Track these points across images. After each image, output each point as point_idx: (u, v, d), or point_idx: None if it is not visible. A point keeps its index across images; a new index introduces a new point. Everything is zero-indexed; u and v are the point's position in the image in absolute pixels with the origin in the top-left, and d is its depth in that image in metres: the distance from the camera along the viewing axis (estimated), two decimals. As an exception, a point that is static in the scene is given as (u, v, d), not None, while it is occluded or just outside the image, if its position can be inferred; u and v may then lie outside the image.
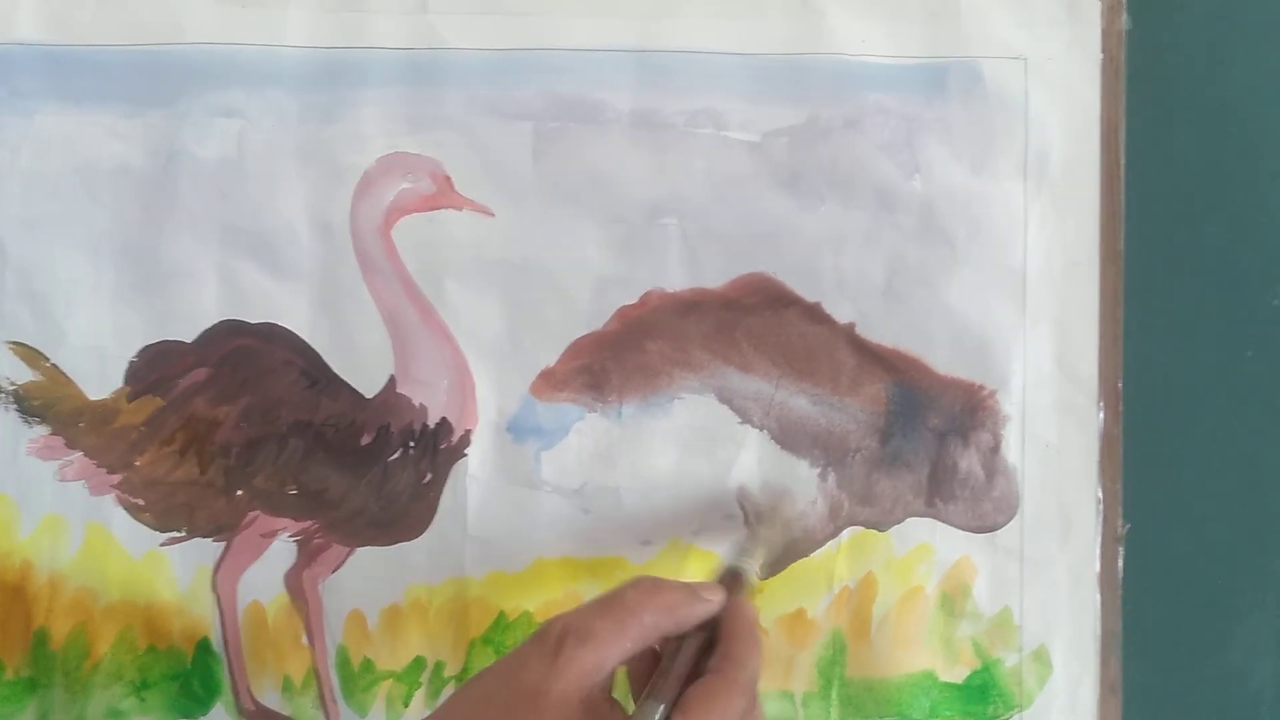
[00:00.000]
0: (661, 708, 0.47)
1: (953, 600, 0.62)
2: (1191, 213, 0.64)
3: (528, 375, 0.62)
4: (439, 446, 0.62)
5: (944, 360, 0.62)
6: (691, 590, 0.50)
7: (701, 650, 0.49)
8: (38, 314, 0.62)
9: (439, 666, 0.62)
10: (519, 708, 0.44)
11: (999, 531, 0.62)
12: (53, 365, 0.62)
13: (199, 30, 0.62)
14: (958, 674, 0.62)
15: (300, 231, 0.62)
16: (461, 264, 0.62)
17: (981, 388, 0.63)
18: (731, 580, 0.54)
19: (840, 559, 0.62)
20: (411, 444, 0.62)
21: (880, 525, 0.62)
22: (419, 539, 0.62)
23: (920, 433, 0.62)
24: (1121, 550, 0.62)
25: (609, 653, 0.46)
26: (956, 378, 0.62)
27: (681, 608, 0.49)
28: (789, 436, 0.62)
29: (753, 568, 0.55)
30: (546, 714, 0.44)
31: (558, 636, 0.46)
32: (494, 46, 0.62)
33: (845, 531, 0.62)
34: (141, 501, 0.62)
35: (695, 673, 0.48)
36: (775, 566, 0.62)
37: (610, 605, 0.47)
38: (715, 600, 0.50)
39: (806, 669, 0.62)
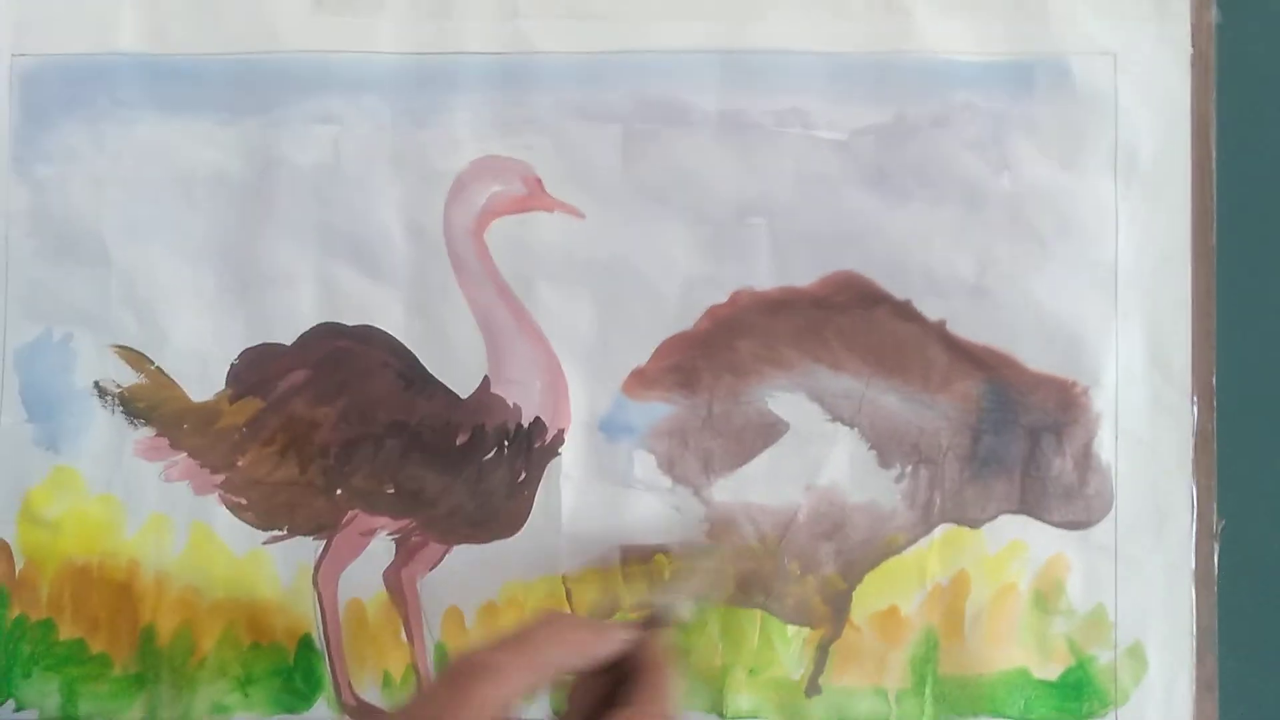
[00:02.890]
0: None
1: (1046, 597, 0.62)
2: (1284, 206, 0.64)
3: (619, 374, 0.63)
4: (533, 446, 0.63)
5: (1035, 357, 0.62)
6: (599, 628, 0.52)
7: (614, 685, 0.51)
8: (141, 318, 0.63)
9: (535, 663, 0.63)
10: None
11: (1093, 528, 0.62)
12: (157, 368, 0.63)
13: (294, 38, 0.63)
14: (1052, 671, 0.62)
15: (395, 235, 0.63)
16: (553, 265, 0.63)
17: (1074, 384, 0.62)
18: (653, 619, 0.55)
19: (932, 556, 0.62)
20: (506, 443, 0.63)
21: (973, 523, 0.62)
22: (514, 537, 0.63)
23: (1012, 430, 0.62)
24: (1217, 547, 0.62)
25: (513, 688, 0.47)
26: (1048, 374, 0.62)
27: (588, 646, 0.50)
28: (880, 434, 0.63)
29: (678, 607, 0.57)
30: None
31: (465, 673, 0.47)
32: (582, 50, 0.63)
33: (938, 529, 0.62)
34: (244, 501, 0.63)
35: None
36: (702, 603, 0.62)
37: (518, 642, 0.49)
38: (623, 638, 0.51)
39: (900, 666, 0.62)
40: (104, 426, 0.63)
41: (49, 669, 0.63)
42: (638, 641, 0.52)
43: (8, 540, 0.63)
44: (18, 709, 0.63)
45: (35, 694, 0.63)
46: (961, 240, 0.63)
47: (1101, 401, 0.62)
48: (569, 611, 0.62)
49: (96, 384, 0.63)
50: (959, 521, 0.62)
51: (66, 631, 0.63)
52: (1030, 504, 0.62)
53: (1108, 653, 0.62)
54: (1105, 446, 0.62)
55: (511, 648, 0.49)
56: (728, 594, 0.62)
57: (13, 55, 0.63)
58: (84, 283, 0.63)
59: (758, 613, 0.62)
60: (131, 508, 0.63)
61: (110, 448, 0.63)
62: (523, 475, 0.63)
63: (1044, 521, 0.62)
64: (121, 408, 0.63)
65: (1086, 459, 0.62)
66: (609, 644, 0.51)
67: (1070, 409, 0.62)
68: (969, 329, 0.63)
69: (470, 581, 0.63)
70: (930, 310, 0.63)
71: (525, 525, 0.63)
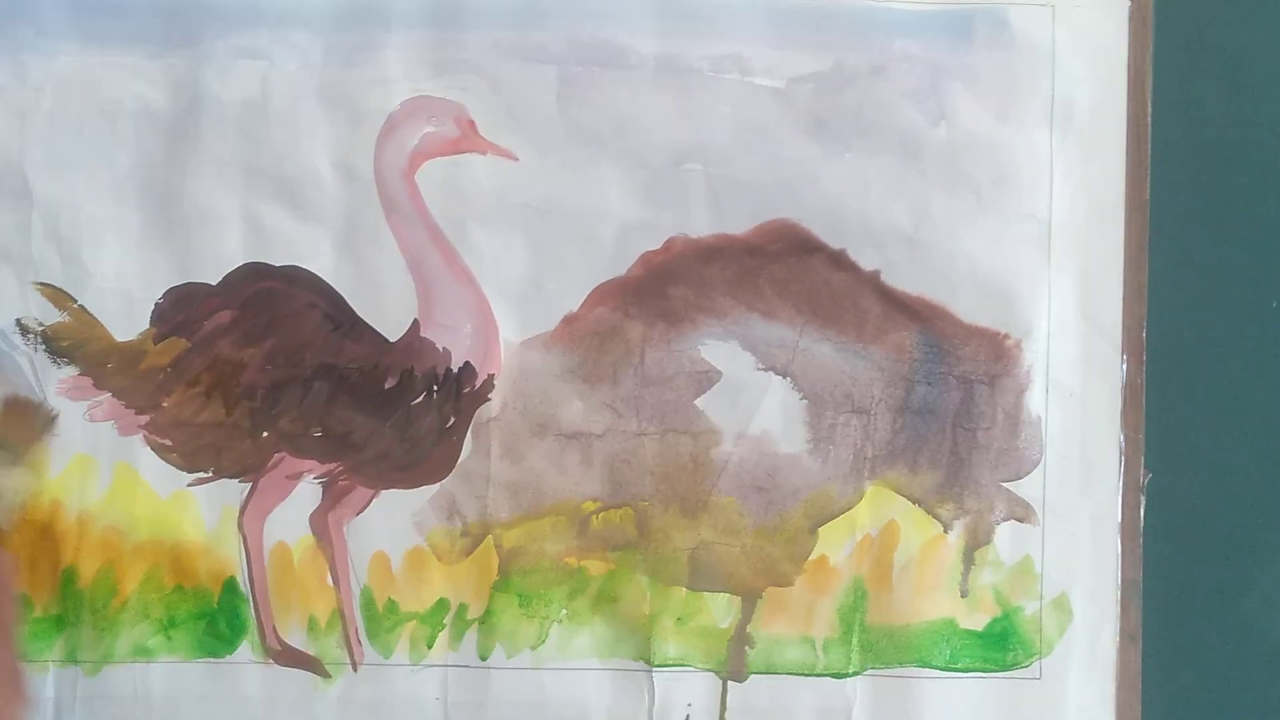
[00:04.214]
0: None
1: (974, 549, 0.63)
2: (1217, 161, 0.64)
3: (551, 320, 0.62)
4: (462, 390, 0.62)
5: (969, 308, 0.62)
6: None
7: None
8: (65, 255, 0.62)
9: (462, 609, 0.62)
10: None
11: (1021, 480, 0.62)
12: (80, 306, 0.62)
13: (224, -28, 0.62)
14: (978, 621, 0.63)
15: (324, 175, 0.62)
16: (485, 208, 0.62)
17: (1006, 336, 0.62)
18: None
19: (862, 507, 0.62)
20: (435, 388, 0.62)
21: (903, 473, 0.62)
22: (442, 482, 0.62)
23: (945, 381, 0.62)
24: (1143, 499, 0.62)
25: None
26: (981, 326, 0.62)
27: None
28: (812, 384, 0.62)
29: None
30: None
31: None
32: (518, -10, 0.62)
33: (867, 480, 0.62)
34: (169, 442, 0.62)
35: None
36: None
37: None
38: None
39: (828, 615, 0.62)
40: (26, 365, 0.62)
41: (-33, 610, 0.62)
42: None
43: (-75, 479, 0.62)
44: (-65, 650, 0.62)
45: (-47, 635, 0.62)
46: (898, 190, 0.62)
47: (1033, 354, 0.62)
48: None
49: (18, 322, 0.62)
50: (890, 472, 0.62)
51: (-15, 572, 0.62)
52: (961, 455, 0.62)
53: (1033, 604, 0.63)
54: (1036, 399, 0.63)
55: None
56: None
57: (-68, -17, 0.62)
58: (5, 218, 0.62)
59: (686, 558, 0.62)
60: (55, 448, 0.62)
61: (33, 387, 0.62)
62: (452, 420, 0.62)
63: (974, 473, 0.62)
64: (44, 346, 0.62)
65: (1017, 411, 0.62)
66: None
67: (1002, 361, 0.62)
68: (903, 280, 0.62)
69: (397, 526, 0.62)
70: (865, 260, 0.62)
71: (453, 470, 0.62)
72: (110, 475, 0.62)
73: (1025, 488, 0.63)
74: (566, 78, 0.62)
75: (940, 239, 0.62)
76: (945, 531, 0.63)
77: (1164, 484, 0.63)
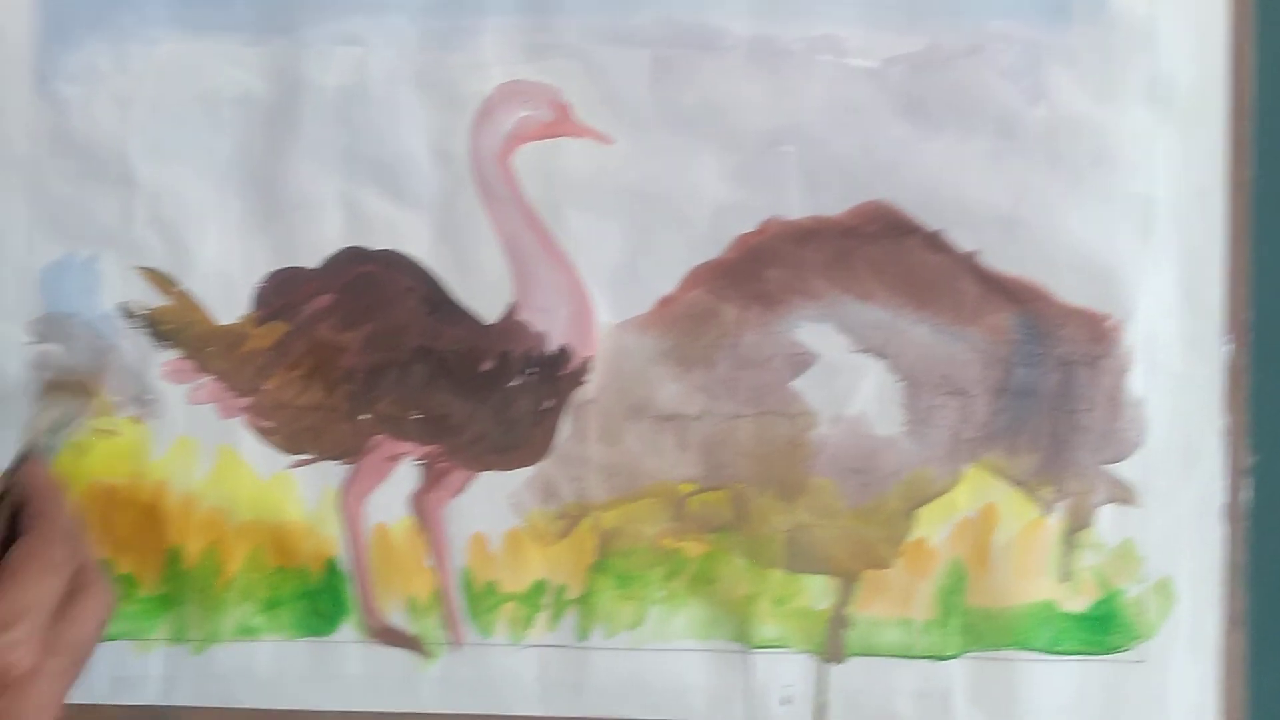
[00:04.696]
0: None
1: (1074, 531, 0.62)
2: (1325, 139, 0.63)
3: (647, 302, 0.63)
4: (559, 373, 0.62)
5: (1068, 290, 0.62)
6: None
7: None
8: (167, 240, 0.63)
9: (561, 590, 0.63)
10: None
11: (1123, 462, 0.62)
12: (182, 290, 0.63)
13: (321, -42, 0.62)
14: (1079, 604, 0.62)
15: (421, 159, 0.62)
16: (580, 192, 0.62)
17: (1106, 318, 0.62)
18: (24, 455, 0.57)
19: (961, 489, 0.62)
20: (532, 370, 0.62)
21: (1002, 455, 0.62)
22: (540, 464, 0.63)
23: (1044, 363, 0.62)
24: (1247, 482, 0.62)
25: None
26: (1081, 307, 0.62)
27: None
28: (909, 366, 0.62)
29: (47, 439, 0.59)
30: None
31: None
32: (613, -28, 0.62)
33: (965, 462, 0.62)
34: (270, 424, 0.63)
35: None
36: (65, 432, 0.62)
37: None
38: None
39: (926, 597, 0.62)
40: (130, 349, 0.63)
41: (76, 590, 0.63)
42: (14, 479, 0.54)
43: (34, 461, 0.63)
44: (45, 629, 0.63)
45: (62, 614, 0.63)
46: (995, 171, 0.62)
47: (1133, 335, 0.62)
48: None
49: (122, 306, 0.63)
50: (989, 454, 0.62)
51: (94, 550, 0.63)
52: (1060, 437, 0.62)
53: (1136, 587, 0.62)
54: (1137, 381, 0.62)
55: None
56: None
57: (37, -27, 0.63)
58: (109, 204, 0.63)
59: (783, 540, 0.62)
60: (158, 430, 0.63)
61: (136, 370, 0.63)
62: (548, 403, 0.63)
63: (1074, 455, 0.62)
64: (147, 330, 0.63)
65: (1118, 393, 0.62)
66: None
67: (1102, 342, 0.62)
68: (1001, 261, 0.62)
69: (495, 508, 0.63)
70: (962, 241, 0.62)
71: (550, 452, 0.63)
72: (213, 457, 0.63)
73: (1126, 470, 0.62)
74: (661, 60, 0.62)
75: (1039, 219, 0.62)
76: (1045, 514, 0.62)
77: (1269, 467, 0.62)
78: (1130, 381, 0.62)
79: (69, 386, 0.61)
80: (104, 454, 0.63)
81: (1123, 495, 0.62)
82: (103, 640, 0.60)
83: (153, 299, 0.63)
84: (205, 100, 0.62)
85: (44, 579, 0.50)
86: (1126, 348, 0.62)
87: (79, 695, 0.62)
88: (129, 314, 0.63)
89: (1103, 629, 0.62)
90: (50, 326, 0.63)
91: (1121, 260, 0.62)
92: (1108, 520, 0.62)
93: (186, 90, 0.62)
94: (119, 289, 0.63)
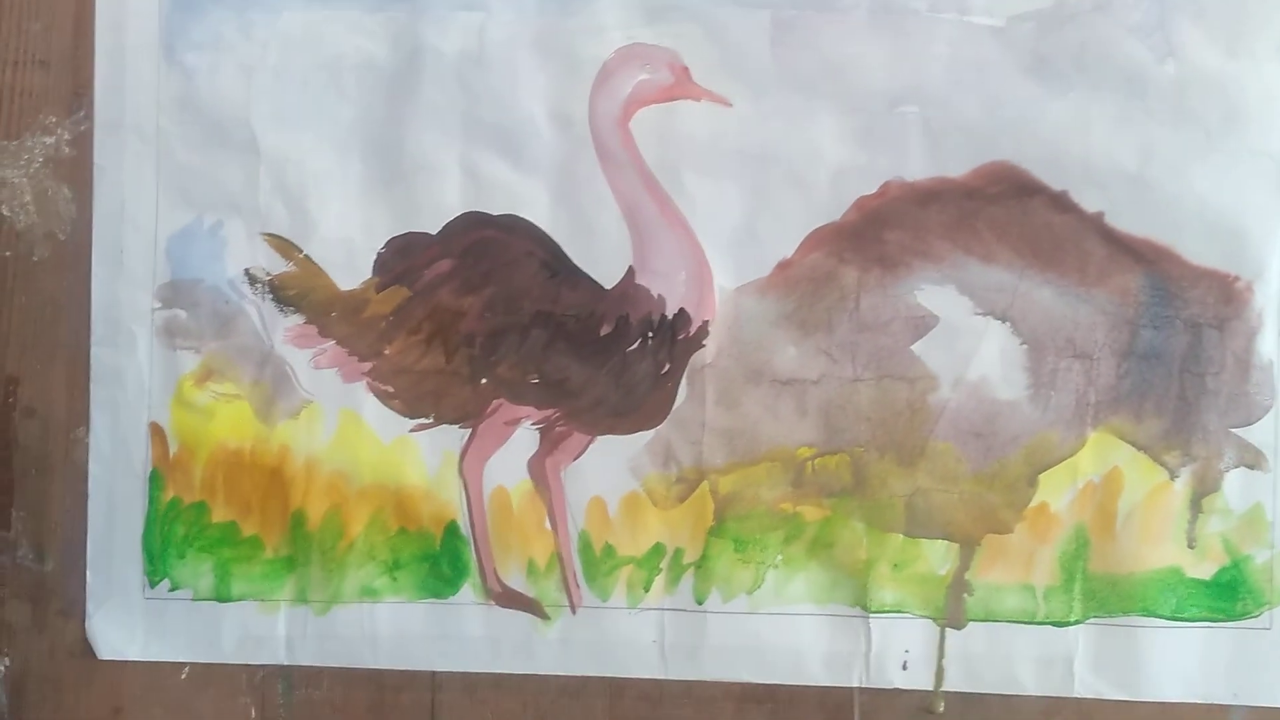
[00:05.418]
0: None
1: (1201, 496, 0.61)
2: None
3: (765, 266, 0.62)
4: (677, 337, 0.62)
5: (1197, 250, 0.61)
6: None
7: None
8: (291, 206, 0.63)
9: (678, 554, 0.63)
10: None
11: (1252, 426, 0.61)
12: (306, 256, 0.64)
13: (440, -76, 0.62)
14: (1205, 570, 0.61)
15: (540, 124, 0.63)
16: (699, 155, 0.62)
17: (1236, 278, 0.61)
18: None
19: (1085, 454, 0.61)
20: (650, 334, 0.62)
21: (1128, 419, 0.61)
22: (658, 428, 0.63)
23: (1172, 325, 0.61)
24: (1383, 446, 0.60)
25: None
26: (1210, 268, 0.61)
27: None
28: (1033, 329, 0.61)
29: None
30: None
31: None
32: (731, -66, 0.62)
33: (1090, 426, 0.61)
34: (391, 389, 0.63)
35: None
36: None
37: None
38: None
39: (1048, 563, 0.62)
40: (254, 314, 0.64)
41: (203, 550, 0.64)
42: None
43: (162, 425, 0.64)
44: (172, 589, 0.64)
45: (189, 574, 0.64)
46: (1122, 130, 0.61)
47: (1264, 296, 0.61)
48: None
49: (247, 271, 0.64)
50: (1114, 417, 0.61)
51: (219, 514, 0.64)
52: (1189, 400, 0.61)
53: (1264, 552, 0.61)
54: (1267, 343, 0.61)
55: None
56: None
57: (162, -57, 0.64)
58: (234, 171, 0.64)
59: (903, 505, 0.62)
60: (282, 394, 0.64)
61: (260, 335, 0.64)
62: (666, 366, 0.63)
63: (1202, 418, 0.61)
64: (271, 295, 0.64)
65: (1248, 355, 0.61)
66: None
67: (1232, 303, 0.61)
68: (1128, 221, 0.61)
69: (614, 472, 0.63)
70: (1088, 201, 0.61)
71: (669, 416, 0.63)
72: (335, 421, 0.64)
73: (1256, 434, 0.61)
74: (780, 22, 0.62)
75: (1167, 179, 0.61)
76: (1171, 479, 0.61)
77: (1406, 430, 0.60)
78: (1260, 343, 0.61)
79: None
80: (229, 419, 0.64)
81: (1252, 459, 0.61)
82: (230, 600, 0.62)
83: (277, 265, 0.64)
84: (327, 68, 0.63)
85: None
86: (1256, 309, 0.61)
87: (205, 654, 0.63)
88: (253, 280, 0.64)
89: (1229, 595, 0.61)
90: (176, 292, 0.64)
91: (1252, 220, 0.61)
92: (1236, 485, 0.61)
93: (309, 58, 0.63)
94: (244, 255, 0.64)
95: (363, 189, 0.63)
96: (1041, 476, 0.62)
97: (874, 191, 0.62)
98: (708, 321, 0.62)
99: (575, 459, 0.63)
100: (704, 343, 0.62)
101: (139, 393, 0.64)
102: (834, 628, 0.63)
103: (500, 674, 0.64)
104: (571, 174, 0.63)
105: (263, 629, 0.64)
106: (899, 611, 0.62)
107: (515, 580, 0.64)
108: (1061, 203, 0.61)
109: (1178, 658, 0.61)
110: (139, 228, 0.64)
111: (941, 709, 0.62)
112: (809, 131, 0.62)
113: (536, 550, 0.63)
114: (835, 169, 0.62)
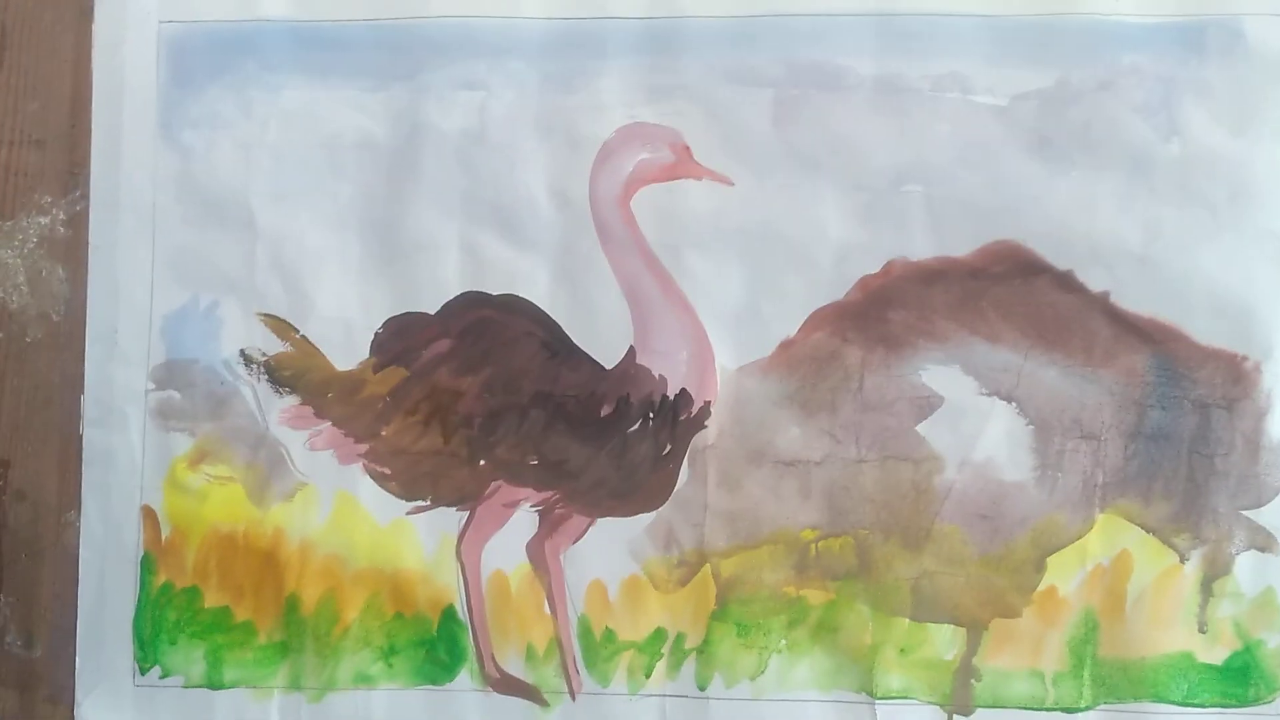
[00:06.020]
0: None
1: (1212, 580, 0.60)
2: None
3: (767, 346, 0.62)
4: (679, 418, 0.62)
5: (1204, 330, 0.60)
6: None
7: None
8: (288, 286, 0.63)
9: (680, 638, 0.62)
10: None
11: (1263, 508, 0.60)
12: (302, 336, 0.63)
13: (440, 3, 0.62)
14: (1217, 655, 0.60)
15: (540, 202, 0.62)
16: (701, 234, 0.62)
17: (1245, 358, 0.60)
18: None
19: (1094, 535, 0.60)
20: (651, 415, 0.62)
21: (1136, 501, 0.60)
22: (659, 510, 0.62)
23: (1180, 406, 0.60)
24: (1395, 529, 0.59)
25: None
26: (1218, 348, 0.60)
27: None
28: (1039, 409, 0.61)
29: None
30: None
31: None
32: (733, 14, 0.61)
33: (1098, 508, 0.60)
34: (388, 470, 0.62)
35: None
36: None
37: None
38: None
39: (1057, 648, 0.60)
40: (249, 395, 0.63)
41: (194, 636, 0.63)
42: None
43: (154, 508, 0.63)
44: (163, 675, 0.63)
45: (181, 661, 0.63)
46: (1127, 208, 0.60)
47: (1273, 376, 0.60)
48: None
49: (242, 352, 0.63)
50: (1122, 500, 0.60)
51: (212, 599, 0.63)
52: (1198, 482, 0.60)
53: (1276, 637, 0.60)
54: (1277, 423, 0.60)
55: None
56: None
57: (160, 22, 0.63)
58: (230, 249, 0.63)
59: (909, 588, 0.61)
60: (276, 476, 0.63)
61: (255, 416, 0.63)
62: (668, 448, 0.62)
63: (1211, 500, 0.60)
64: (267, 376, 0.63)
65: (1258, 436, 0.60)
66: None
67: (1240, 383, 0.60)
68: (1134, 300, 0.60)
69: (614, 555, 0.62)
70: (1093, 281, 0.60)
71: (670, 498, 0.62)
72: (330, 504, 0.63)
73: (1267, 516, 0.60)
74: (783, 100, 0.61)
75: (1173, 258, 0.60)
76: (1181, 561, 0.60)
77: None
78: (1270, 424, 0.60)
79: None
80: (223, 501, 0.63)
81: (1263, 542, 0.60)
82: (222, 687, 0.60)
83: (273, 345, 0.63)
84: (327, 146, 0.63)
85: None
86: (1265, 389, 0.60)
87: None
88: (249, 360, 0.63)
89: (1242, 680, 0.60)
90: (171, 373, 0.63)
91: (1259, 299, 0.60)
92: (1247, 568, 0.60)
93: (308, 136, 0.63)
94: (240, 335, 0.63)
95: (361, 268, 0.63)
96: (1049, 559, 0.61)
97: (877, 271, 0.61)
98: (709, 402, 0.62)
99: (575, 542, 0.62)
100: (706, 423, 0.62)
101: (131, 475, 0.63)
102: (839, 714, 0.61)
103: (499, 762, 0.62)
104: (572, 253, 0.62)
105: (256, 716, 0.63)
106: (905, 698, 0.61)
107: (514, 666, 0.62)
108: (1067, 282, 0.61)
109: (1191, 745, 0.60)
110: (134, 307, 0.63)
111: (950, 798, 0.61)
112: (812, 210, 0.61)
113: (535, 635, 0.62)
114: (838, 248, 0.61)
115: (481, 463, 0.62)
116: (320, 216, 0.63)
